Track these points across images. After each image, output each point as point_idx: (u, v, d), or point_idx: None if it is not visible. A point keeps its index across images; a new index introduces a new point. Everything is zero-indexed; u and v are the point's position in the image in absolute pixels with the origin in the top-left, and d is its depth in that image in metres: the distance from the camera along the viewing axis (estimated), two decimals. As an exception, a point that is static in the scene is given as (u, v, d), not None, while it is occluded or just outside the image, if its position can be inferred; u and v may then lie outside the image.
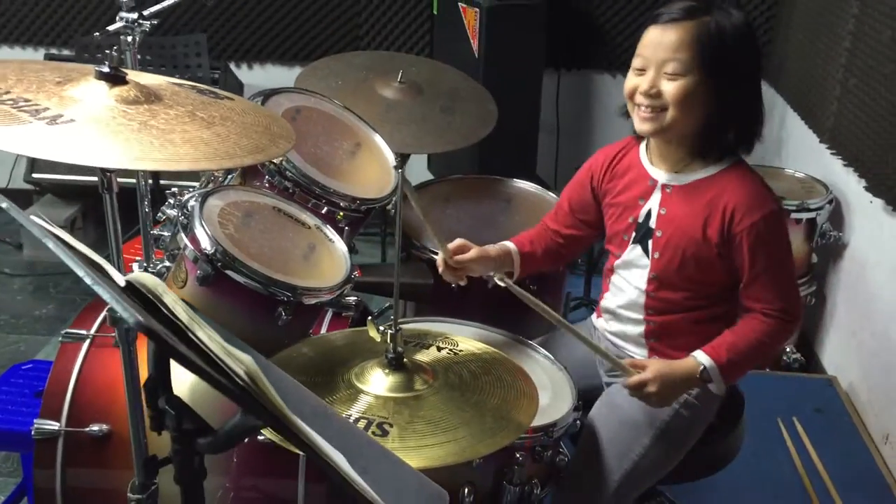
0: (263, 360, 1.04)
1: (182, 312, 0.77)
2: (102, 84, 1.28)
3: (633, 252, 1.70)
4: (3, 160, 3.93)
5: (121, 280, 0.84)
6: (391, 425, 1.21)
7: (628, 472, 1.64)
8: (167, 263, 1.84)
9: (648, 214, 1.67)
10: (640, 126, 1.59)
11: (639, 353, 1.75)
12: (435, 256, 2.16)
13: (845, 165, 2.93)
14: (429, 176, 3.62)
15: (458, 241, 1.76)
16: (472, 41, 3.35)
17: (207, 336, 0.74)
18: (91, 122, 1.20)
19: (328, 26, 3.78)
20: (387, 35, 3.78)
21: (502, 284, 1.62)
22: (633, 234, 1.70)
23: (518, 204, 2.43)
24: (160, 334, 0.66)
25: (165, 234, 1.88)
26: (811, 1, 3.35)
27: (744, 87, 1.57)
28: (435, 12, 3.62)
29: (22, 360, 2.77)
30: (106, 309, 1.84)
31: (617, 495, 1.64)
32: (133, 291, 0.82)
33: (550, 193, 2.44)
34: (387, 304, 2.70)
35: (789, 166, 3.26)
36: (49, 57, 3.82)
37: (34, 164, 3.70)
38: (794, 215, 2.92)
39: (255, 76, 3.90)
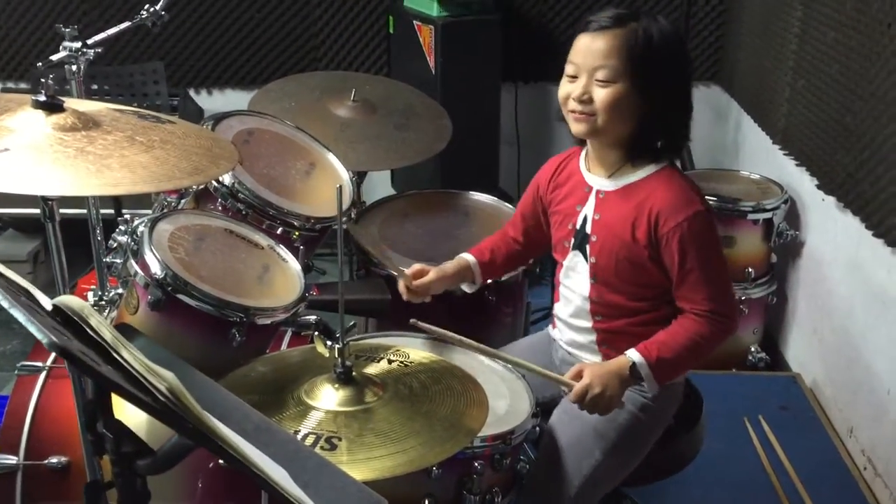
0: (205, 380, 1.05)
1: (107, 333, 0.78)
2: (39, 113, 1.28)
3: (574, 258, 1.73)
4: (-37, 196, 3.89)
5: (48, 304, 0.84)
6: (340, 439, 1.22)
7: (588, 476, 1.65)
8: (121, 291, 1.84)
9: (585, 220, 1.70)
10: (575, 127, 1.63)
11: (593, 360, 1.76)
12: (392, 273, 2.18)
13: (798, 165, 2.98)
14: (391, 192, 3.64)
15: (415, 267, 1.84)
16: (428, 58, 3.38)
17: (131, 355, 0.74)
18: (27, 151, 1.20)
19: (286, 49, 3.80)
20: (345, 56, 3.80)
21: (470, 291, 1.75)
22: (573, 240, 1.72)
23: (476, 217, 2.45)
24: (76, 354, 0.66)
25: (118, 261, 1.87)
26: (757, 7, 3.41)
27: (672, 93, 1.60)
28: (391, 31, 3.65)
29: (-15, 396, 2.74)
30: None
31: (577, 499, 1.64)
32: (63, 316, 0.83)
33: (507, 205, 2.46)
34: (351, 323, 2.70)
35: (745, 168, 3.31)
36: (5, 90, 3.80)
37: (-7, 198, 3.67)
38: (750, 216, 2.96)
39: (215, 101, 3.90)
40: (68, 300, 0.82)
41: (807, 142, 2.89)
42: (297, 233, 2.00)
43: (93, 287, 1.99)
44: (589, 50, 1.56)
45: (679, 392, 1.78)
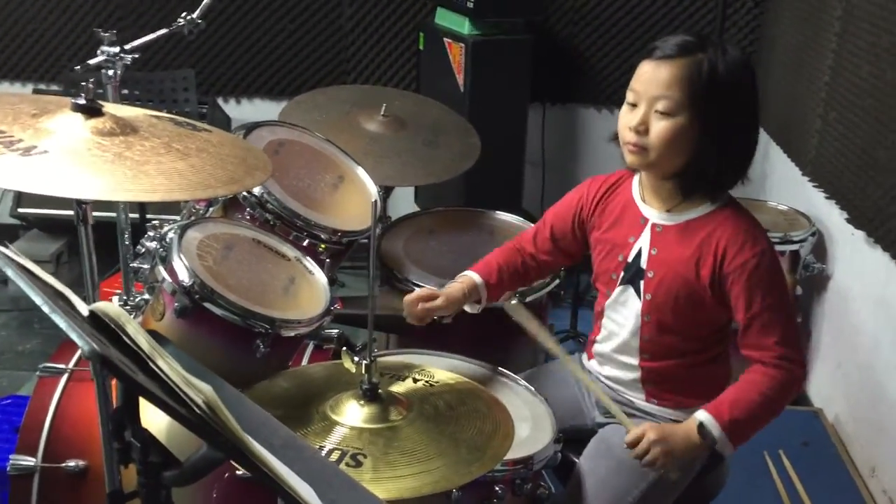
0: (234, 392, 1.04)
1: (143, 342, 0.77)
2: (78, 116, 1.28)
3: (624, 294, 1.67)
4: (-10, 195, 3.93)
5: (84, 310, 0.84)
6: (365, 456, 1.20)
7: (622, 513, 1.61)
8: (146, 296, 1.83)
9: (639, 254, 1.63)
10: (628, 158, 1.58)
11: (635, 396, 1.72)
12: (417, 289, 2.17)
13: (827, 198, 2.95)
14: (415, 208, 3.63)
15: (425, 290, 1.77)
16: (457, 76, 3.38)
17: (168, 365, 0.74)
18: (65, 154, 1.20)
19: (316, 61, 3.81)
20: (374, 70, 3.82)
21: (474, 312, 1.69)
22: (623, 273, 1.66)
23: (500, 236, 2.43)
24: (116, 363, 0.65)
25: (145, 266, 1.87)
26: (791, 36, 3.40)
27: (736, 127, 1.54)
28: (421, 48, 3.66)
29: (3, 395, 2.74)
30: (83, 342, 1.83)
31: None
32: (97, 322, 0.82)
33: (532, 225, 2.45)
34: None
35: (773, 199, 3.28)
36: (37, 91, 3.83)
37: (20, 198, 3.69)
38: (778, 247, 2.91)
39: (244, 111, 3.92)
40: (105, 307, 0.82)
41: (837, 174, 2.86)
42: (323, 245, 1.99)
43: (118, 291, 1.99)
44: (651, 79, 1.51)
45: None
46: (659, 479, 1.61)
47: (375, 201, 1.34)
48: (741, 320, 1.56)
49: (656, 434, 1.52)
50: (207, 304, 1.58)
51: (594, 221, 1.74)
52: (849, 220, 2.75)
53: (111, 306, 0.82)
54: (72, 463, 1.76)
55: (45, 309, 0.71)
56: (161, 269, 1.62)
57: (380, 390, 1.35)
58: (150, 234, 1.88)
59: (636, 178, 1.70)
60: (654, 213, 1.64)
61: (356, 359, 1.38)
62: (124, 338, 0.79)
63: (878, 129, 2.57)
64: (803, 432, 2.84)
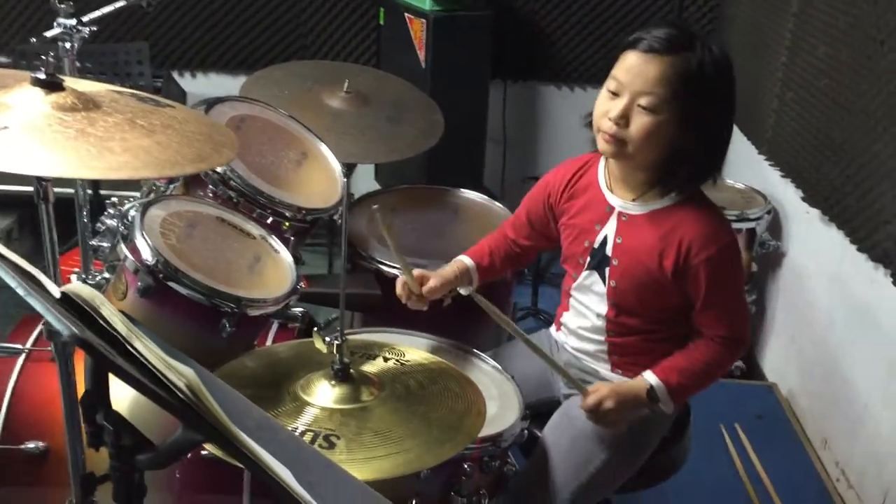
0: (206, 373, 1.02)
1: (120, 324, 0.75)
2: (38, 91, 1.24)
3: (590, 278, 1.69)
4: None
5: (56, 291, 0.81)
6: (338, 437, 1.20)
7: (584, 484, 1.64)
8: (106, 275, 1.80)
9: (604, 241, 1.65)
10: (602, 146, 1.56)
11: (601, 367, 1.75)
12: (382, 267, 2.16)
13: (783, 177, 3.00)
14: (375, 185, 3.61)
15: (417, 272, 1.76)
16: (418, 52, 3.35)
17: (147, 348, 0.72)
18: (26, 130, 1.16)
19: (273, 35, 3.75)
20: (333, 45, 3.76)
21: (466, 293, 1.67)
22: (589, 259, 1.68)
23: (465, 214, 2.43)
24: (97, 347, 0.63)
25: (104, 244, 1.83)
26: (748, 16, 3.43)
27: (716, 125, 1.55)
28: (381, 22, 3.62)
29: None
30: (42, 322, 1.79)
31: (572, 505, 1.64)
32: (69, 303, 0.80)
33: (497, 204, 2.45)
34: (333, 316, 2.68)
35: (729, 177, 3.32)
36: (-17, 64, 3.70)
37: (-32, 173, 3.58)
38: (734, 225, 2.96)
39: (199, 85, 3.85)
40: (78, 288, 0.79)
41: (793, 154, 2.91)
42: (287, 223, 1.97)
43: (76, 270, 1.95)
44: (638, 72, 1.48)
45: (676, 404, 1.78)
46: (620, 450, 1.66)
47: (346, 180, 1.32)
48: (698, 305, 1.61)
49: (614, 402, 1.58)
50: (172, 284, 1.55)
51: (562, 207, 1.75)
52: (804, 199, 2.80)
53: (84, 288, 0.80)
54: (31, 444, 1.72)
55: (21, 291, 0.69)
56: (123, 247, 1.59)
57: (351, 370, 1.34)
58: (110, 211, 1.85)
59: (602, 165, 1.70)
60: (619, 202, 1.65)
61: (328, 339, 1.37)
62: (99, 320, 0.77)
63: (834, 109, 2.62)
64: (758, 406, 2.91)
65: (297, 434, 1.19)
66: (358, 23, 3.73)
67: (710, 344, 1.62)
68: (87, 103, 1.26)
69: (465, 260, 1.83)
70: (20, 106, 1.22)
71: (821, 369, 2.75)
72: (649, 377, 1.61)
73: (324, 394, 1.32)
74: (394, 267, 2.11)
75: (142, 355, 0.71)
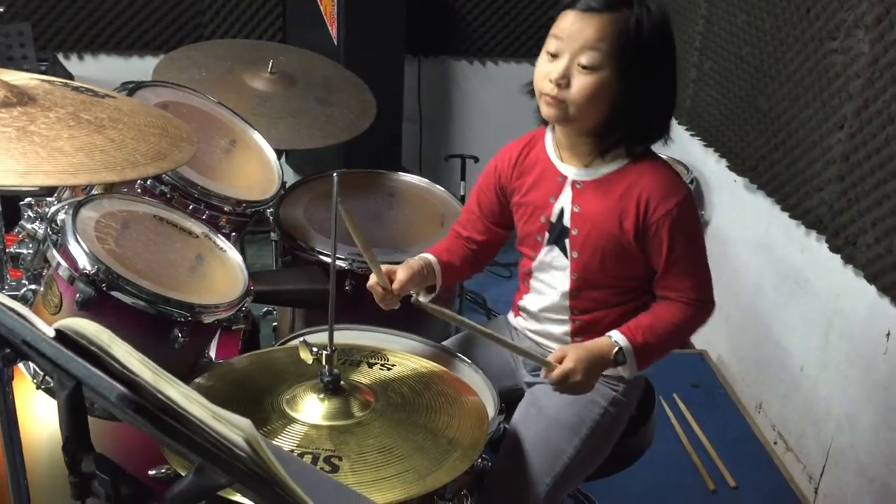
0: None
1: (143, 367, 0.62)
2: (-39, 84, 1.07)
3: (551, 253, 1.64)
4: None
5: (48, 329, 0.67)
6: (340, 458, 1.08)
7: (560, 473, 1.59)
8: (31, 286, 1.61)
9: (561, 213, 1.61)
10: (545, 111, 1.53)
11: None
12: (324, 259, 2.04)
13: (705, 146, 3.04)
14: (288, 170, 3.45)
15: (385, 268, 1.61)
16: (330, 27, 3.20)
17: (183, 396, 0.59)
18: (-44, 130, 1.00)
19: (168, 13, 3.50)
20: (233, 21, 3.55)
21: (422, 300, 1.54)
22: (547, 234, 1.63)
23: (403, 198, 2.33)
24: (154, 412, 0.50)
25: (25, 251, 1.64)
26: (660, -14, 3.44)
27: (656, 82, 1.53)
28: (285, -4, 3.44)
29: None
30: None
31: (549, 498, 1.58)
32: (64, 343, 0.66)
33: (437, 187, 2.36)
34: (263, 310, 2.53)
35: (649, 148, 3.35)
36: None
37: None
38: (660, 196, 2.99)
39: (87, 68, 3.56)
40: (79, 325, 0.65)
41: (715, 123, 2.94)
42: (224, 218, 1.83)
43: (-12, 281, 1.74)
44: (575, 31, 1.46)
45: (642, 382, 1.75)
46: (592, 435, 1.62)
47: (336, 174, 1.20)
48: (661, 266, 1.58)
49: (581, 374, 1.52)
50: (115, 293, 1.40)
51: (513, 186, 1.69)
52: (730, 167, 2.84)
53: (86, 324, 0.66)
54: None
55: (27, 337, 0.55)
56: (55, 253, 1.42)
57: (342, 382, 1.23)
58: (29, 213, 1.65)
59: (549, 137, 1.66)
60: (571, 171, 1.61)
61: (315, 350, 1.25)
62: (108, 360, 0.64)
63: (758, 77, 2.65)
64: (692, 374, 2.96)
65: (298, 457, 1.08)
66: (259, -3, 3.54)
67: (679, 305, 1.59)
68: (21, 97, 1.10)
69: (427, 256, 1.72)
70: (-58, 102, 1.04)
71: (750, 335, 2.81)
72: (616, 336, 1.56)
73: (313, 409, 1.20)
74: (339, 258, 1.98)
75: (177, 405, 0.59)
